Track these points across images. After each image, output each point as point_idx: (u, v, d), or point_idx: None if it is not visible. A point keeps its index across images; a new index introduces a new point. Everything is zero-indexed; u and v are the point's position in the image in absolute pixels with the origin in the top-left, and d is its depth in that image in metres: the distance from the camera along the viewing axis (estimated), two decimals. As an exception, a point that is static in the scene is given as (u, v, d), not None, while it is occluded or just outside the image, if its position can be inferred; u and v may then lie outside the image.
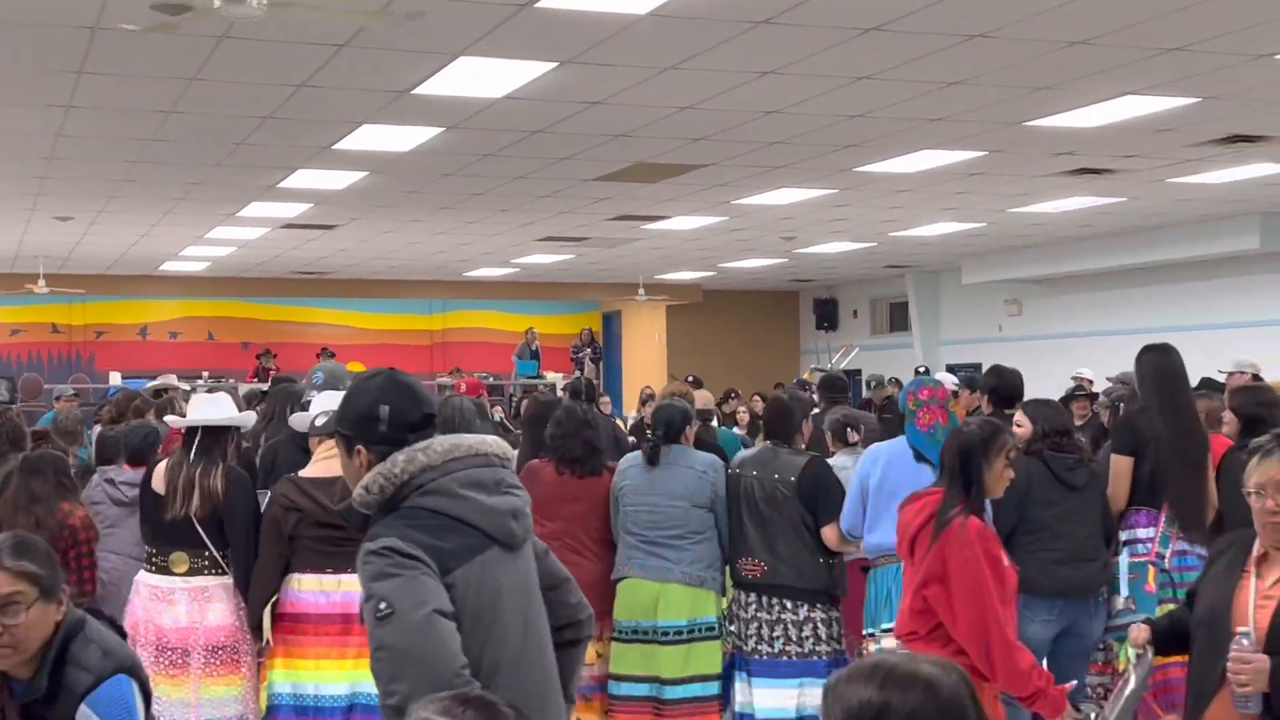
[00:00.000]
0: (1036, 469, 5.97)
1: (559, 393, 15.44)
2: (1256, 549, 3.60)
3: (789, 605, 5.90)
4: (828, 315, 26.16)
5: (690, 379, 15.90)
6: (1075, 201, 14.51)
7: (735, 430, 10.90)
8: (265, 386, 12.84)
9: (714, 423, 9.97)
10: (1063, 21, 7.42)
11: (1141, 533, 6.01)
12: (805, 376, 16.05)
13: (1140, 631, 3.89)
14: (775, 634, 5.90)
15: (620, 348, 28.30)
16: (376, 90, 8.88)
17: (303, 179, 12.40)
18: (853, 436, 7.12)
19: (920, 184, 13.12)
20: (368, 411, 3.03)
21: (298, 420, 5.63)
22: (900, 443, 5.83)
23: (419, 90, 8.82)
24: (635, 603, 6.04)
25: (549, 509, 6.07)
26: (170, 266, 20.67)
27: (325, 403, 5.28)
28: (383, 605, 2.76)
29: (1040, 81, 8.83)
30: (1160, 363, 6.08)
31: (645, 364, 26.49)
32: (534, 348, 22.75)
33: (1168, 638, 3.88)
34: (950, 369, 19.52)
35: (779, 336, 27.09)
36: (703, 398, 9.72)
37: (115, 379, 18.17)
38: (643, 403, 14.00)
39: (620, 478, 6.18)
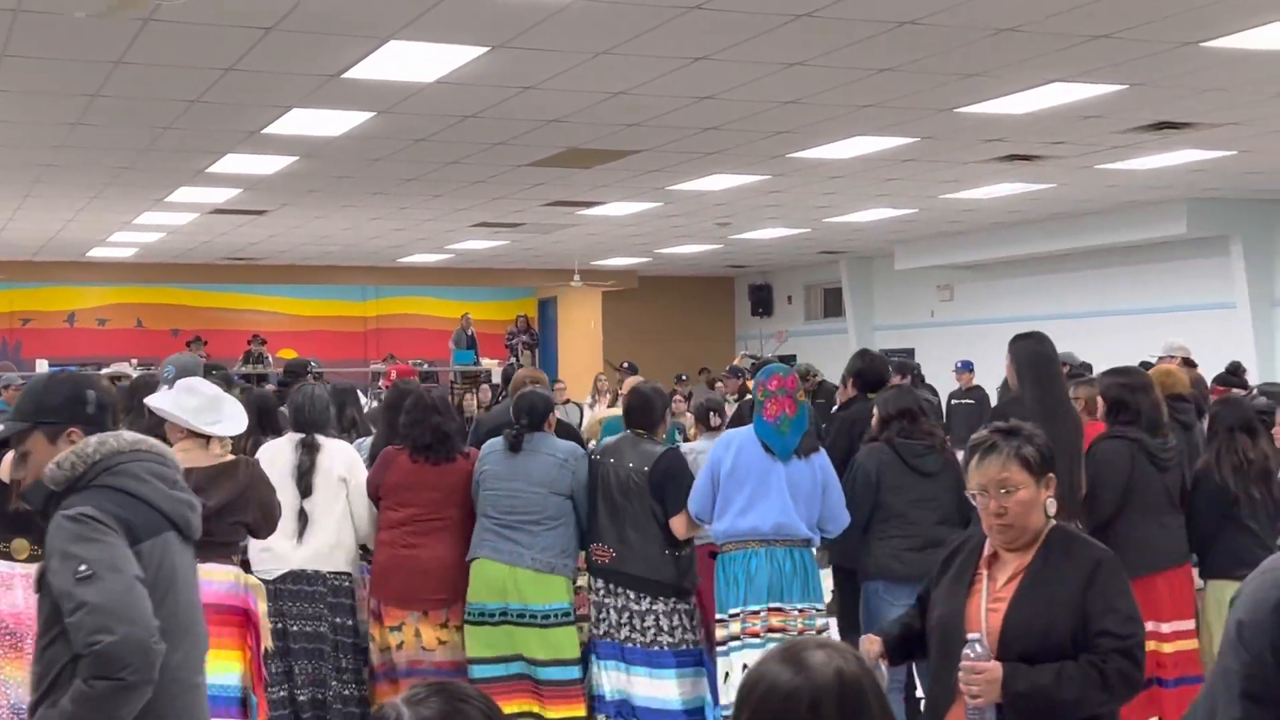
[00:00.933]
0: (887, 456, 6.04)
1: (494, 379, 15.41)
2: (987, 549, 3.48)
3: (631, 595, 5.99)
4: (763, 301, 26.27)
5: (625, 365, 15.93)
6: (1005, 188, 14.64)
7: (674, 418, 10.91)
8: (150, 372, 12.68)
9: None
10: (991, 9, 7.47)
11: None
12: (736, 362, 16.09)
13: (872, 644, 3.70)
14: (622, 620, 6.00)
15: (556, 334, 28.26)
16: (306, 74, 8.79)
17: (232, 164, 12.26)
18: (715, 420, 7.20)
19: (853, 170, 13.19)
20: (75, 396, 3.37)
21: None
22: (753, 430, 5.90)
23: (349, 74, 8.74)
24: (485, 584, 6.08)
25: (402, 495, 6.18)
26: (98, 252, 20.38)
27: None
28: (83, 567, 2.98)
29: (970, 68, 8.89)
30: (1032, 350, 6.03)
31: (581, 350, 26.48)
32: (469, 333, 22.67)
33: (900, 645, 3.71)
34: (885, 354, 19.64)
35: (714, 322, 27.17)
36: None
37: (42, 367, 17.90)
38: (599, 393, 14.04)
39: (481, 463, 6.24)
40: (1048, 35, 8.08)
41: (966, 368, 15.31)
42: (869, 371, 7.29)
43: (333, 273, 23.50)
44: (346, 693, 6.13)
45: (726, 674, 5.73)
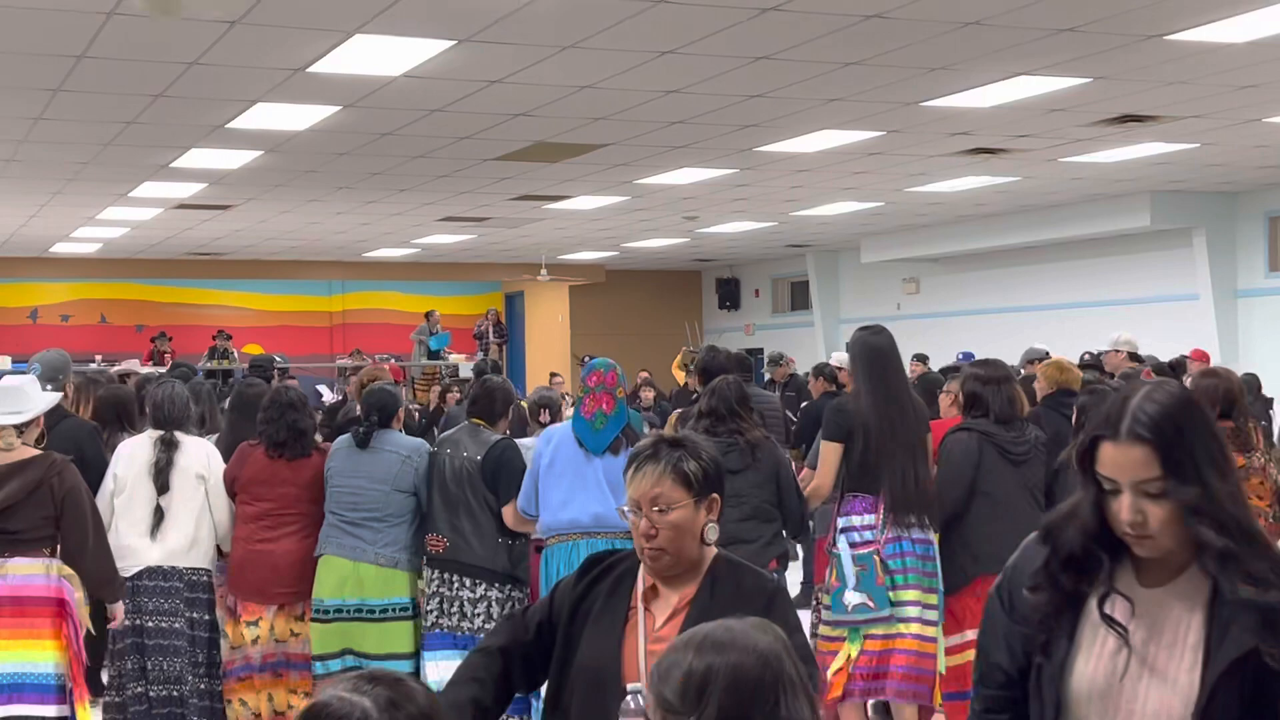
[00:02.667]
0: None
1: (462, 374, 15.38)
2: (643, 580, 3.00)
3: (466, 582, 6.02)
4: (730, 295, 26.32)
5: (587, 358, 15.92)
6: (971, 181, 14.71)
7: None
8: (163, 370, 12.64)
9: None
10: (956, 3, 7.51)
11: (858, 520, 5.89)
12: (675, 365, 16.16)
13: None
14: (452, 609, 6.02)
15: (523, 328, 28.22)
16: (270, 68, 8.74)
17: (196, 158, 12.18)
18: (544, 416, 7.21)
19: (819, 164, 13.22)
20: None
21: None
22: (568, 426, 5.95)
23: (314, 68, 8.70)
24: (331, 580, 6.12)
25: (257, 490, 6.25)
26: (61, 248, 20.22)
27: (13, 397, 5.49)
28: None
29: (935, 62, 8.93)
30: (871, 343, 5.96)
31: (548, 344, 26.47)
32: (435, 331, 22.61)
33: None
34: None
35: (682, 316, 27.13)
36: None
37: (4, 363, 17.75)
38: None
39: (330, 459, 6.29)
40: (1012, 29, 8.11)
41: (968, 359, 15.24)
42: (713, 366, 7.36)
43: (298, 267, 23.40)
44: (204, 687, 6.19)
45: None
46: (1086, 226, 17.20)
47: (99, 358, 21.75)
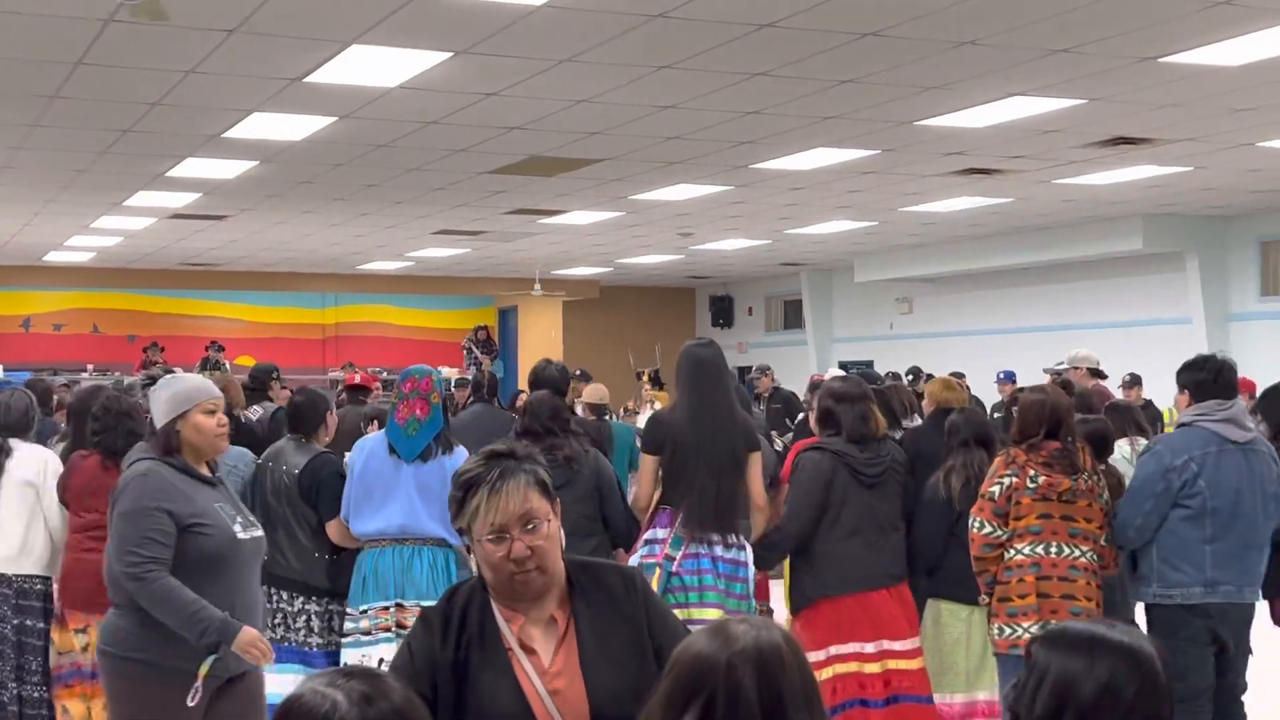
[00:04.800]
0: None
1: (451, 389, 15.38)
2: (504, 619, 2.72)
3: (284, 595, 6.01)
4: (723, 312, 26.35)
5: (578, 373, 15.94)
6: (964, 201, 14.74)
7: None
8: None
9: (608, 417, 9.99)
10: (952, 22, 7.53)
11: (660, 532, 5.83)
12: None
13: None
14: (276, 621, 6.01)
15: (516, 343, 28.21)
16: (267, 78, 8.75)
17: (191, 168, 12.18)
18: (373, 429, 7.18)
19: (814, 182, 13.25)
20: None
21: None
22: (382, 435, 5.93)
23: (311, 78, 8.71)
24: None
25: (88, 501, 6.11)
26: (54, 257, 20.19)
27: None
28: None
29: (930, 81, 8.96)
30: (695, 355, 5.85)
31: (541, 359, 26.43)
32: (481, 339, 22.65)
33: None
34: (843, 366, 19.76)
35: (675, 333, 27.09)
36: (597, 392, 9.73)
37: (-3, 371, 17.72)
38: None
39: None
40: (1007, 49, 8.15)
41: (1009, 378, 15.15)
42: (541, 379, 7.42)
43: (292, 279, 23.39)
44: (36, 695, 6.13)
45: (380, 660, 5.69)
46: (1079, 249, 17.24)
47: (90, 367, 21.73)
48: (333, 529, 5.97)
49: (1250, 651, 5.56)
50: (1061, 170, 12.68)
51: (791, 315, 25.11)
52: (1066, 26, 7.67)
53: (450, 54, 8.14)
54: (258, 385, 9.63)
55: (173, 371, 11.69)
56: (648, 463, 5.85)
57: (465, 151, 11.46)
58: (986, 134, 10.76)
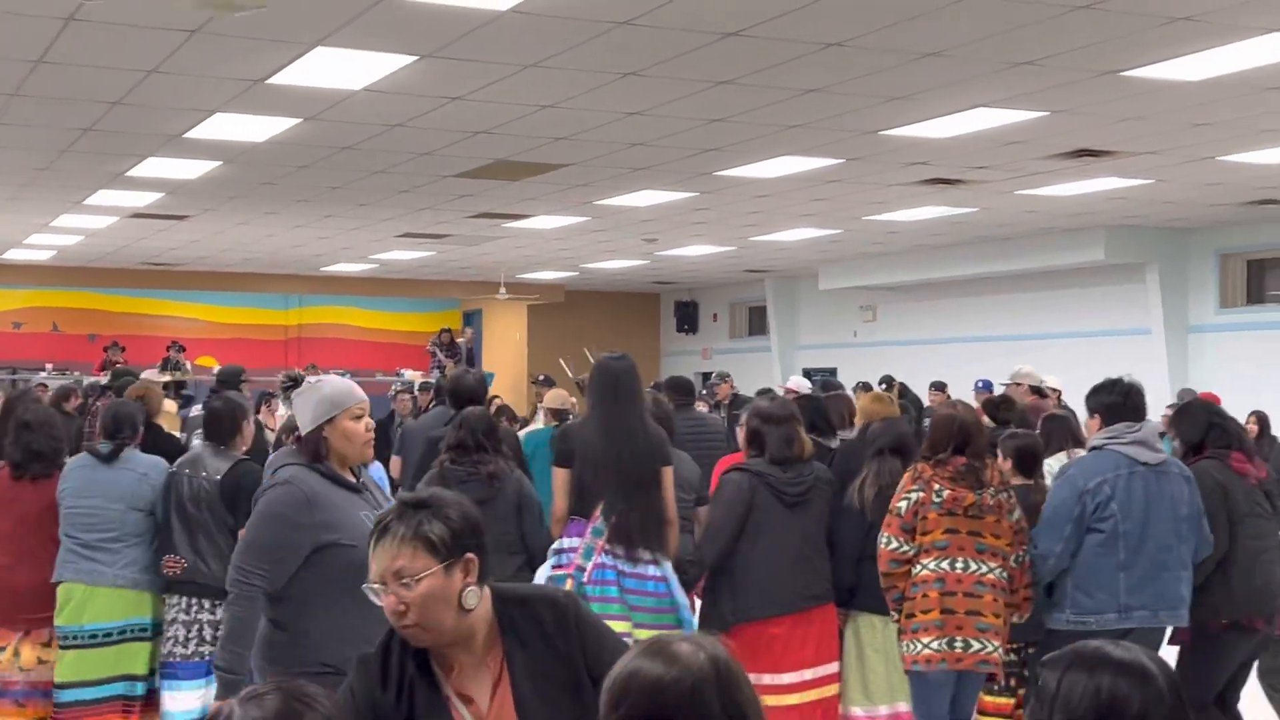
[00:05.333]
0: (435, 483, 5.92)
1: (415, 392, 15.33)
2: (434, 658, 2.72)
3: (206, 605, 5.94)
4: (688, 318, 26.37)
5: (541, 378, 15.94)
6: (928, 211, 14.81)
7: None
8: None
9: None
10: (916, 33, 7.57)
11: (567, 542, 5.81)
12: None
13: None
14: (190, 634, 5.93)
15: (481, 346, 28.14)
16: (230, 78, 8.70)
17: (153, 167, 12.10)
18: (290, 440, 7.17)
19: (779, 190, 13.27)
20: None
21: None
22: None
23: (274, 80, 8.66)
24: (70, 607, 5.98)
25: None
26: (13, 255, 20.01)
27: None
28: None
29: (895, 92, 8.99)
30: (608, 368, 5.84)
31: (506, 363, 26.39)
32: (458, 343, 22.56)
33: None
34: (806, 373, 19.81)
35: (640, 338, 27.18)
36: (559, 398, 9.72)
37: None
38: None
39: (62, 480, 6.11)
40: (971, 61, 8.19)
41: (986, 387, 15.17)
42: (461, 391, 7.42)
43: (255, 280, 23.25)
44: None
45: None
46: (1041, 259, 17.35)
47: (50, 366, 21.53)
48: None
49: None
50: (1024, 181, 12.75)
51: (756, 322, 25.16)
52: (1029, 39, 7.72)
53: (415, 58, 8.11)
54: (225, 388, 9.56)
55: (134, 373, 11.63)
56: (559, 476, 5.82)
57: (430, 155, 11.43)
58: (950, 144, 10.81)
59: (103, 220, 15.92)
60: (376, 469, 5.94)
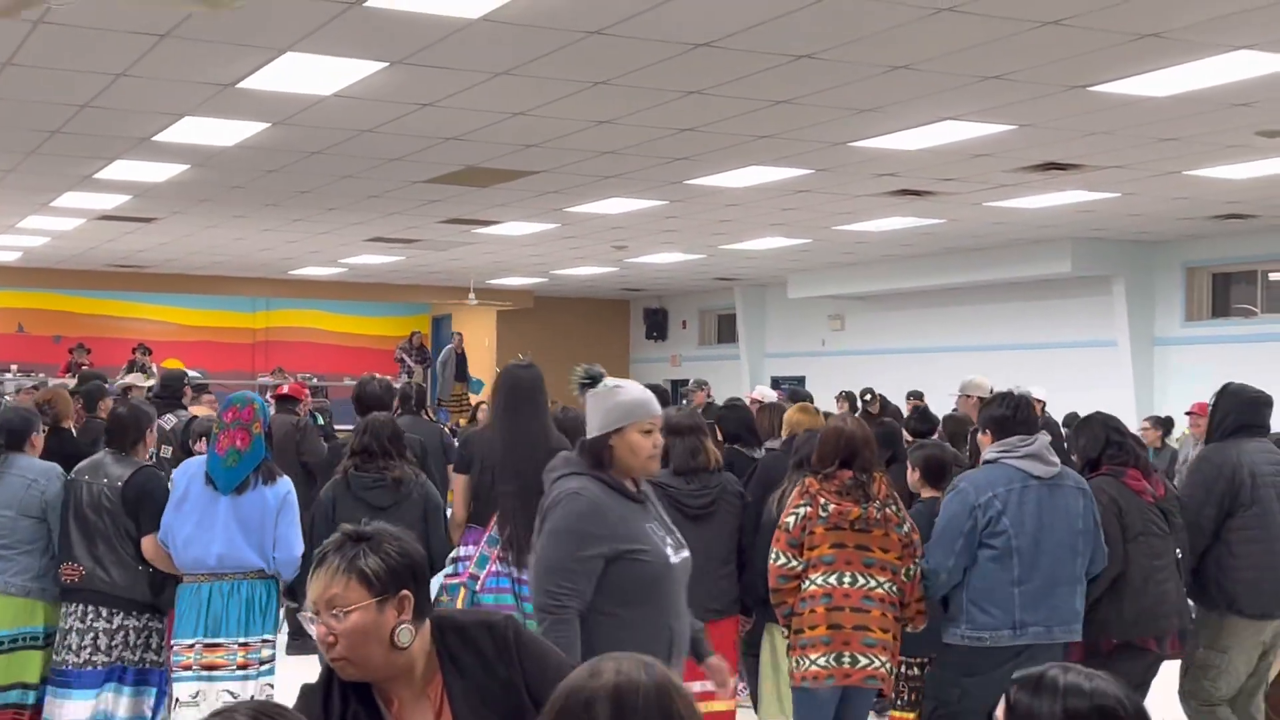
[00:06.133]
0: (340, 489, 5.98)
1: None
2: (376, 691, 2.70)
3: (103, 613, 5.87)
4: (657, 325, 26.39)
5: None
6: (897, 221, 14.87)
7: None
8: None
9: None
10: (886, 46, 7.60)
11: (464, 550, 5.76)
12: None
13: None
14: (84, 643, 5.85)
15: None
16: (199, 82, 8.66)
17: (121, 170, 12.03)
18: (201, 446, 7.18)
19: (749, 199, 13.31)
20: None
21: None
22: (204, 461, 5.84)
23: (244, 84, 8.63)
24: None
25: None
26: (-21, 255, 19.88)
27: None
28: None
29: (864, 104, 9.03)
30: (512, 376, 5.85)
31: (474, 368, 26.35)
32: (459, 353, 22.52)
33: None
34: (775, 381, 19.86)
35: (609, 345, 27.20)
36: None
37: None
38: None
39: None
40: (940, 74, 8.23)
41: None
42: (366, 397, 7.43)
43: (222, 283, 23.14)
44: None
45: (176, 700, 5.65)
46: (1009, 270, 17.45)
47: (14, 367, 21.38)
48: (148, 545, 5.80)
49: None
50: (992, 193, 12.83)
51: (725, 330, 25.20)
52: (998, 54, 7.77)
53: (386, 64, 8.10)
54: (170, 393, 9.45)
55: (101, 376, 11.54)
56: (459, 482, 5.79)
57: (400, 160, 11.41)
58: (919, 156, 10.87)
59: (70, 222, 15.83)
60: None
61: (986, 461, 5.43)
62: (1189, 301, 16.78)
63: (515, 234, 16.44)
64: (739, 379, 22.51)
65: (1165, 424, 13.34)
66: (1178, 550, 5.66)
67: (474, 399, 15.02)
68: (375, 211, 14.61)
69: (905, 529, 5.36)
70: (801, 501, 5.34)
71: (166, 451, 8.81)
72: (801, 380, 20.99)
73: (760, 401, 9.95)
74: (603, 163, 11.39)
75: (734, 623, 5.88)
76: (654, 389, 9.25)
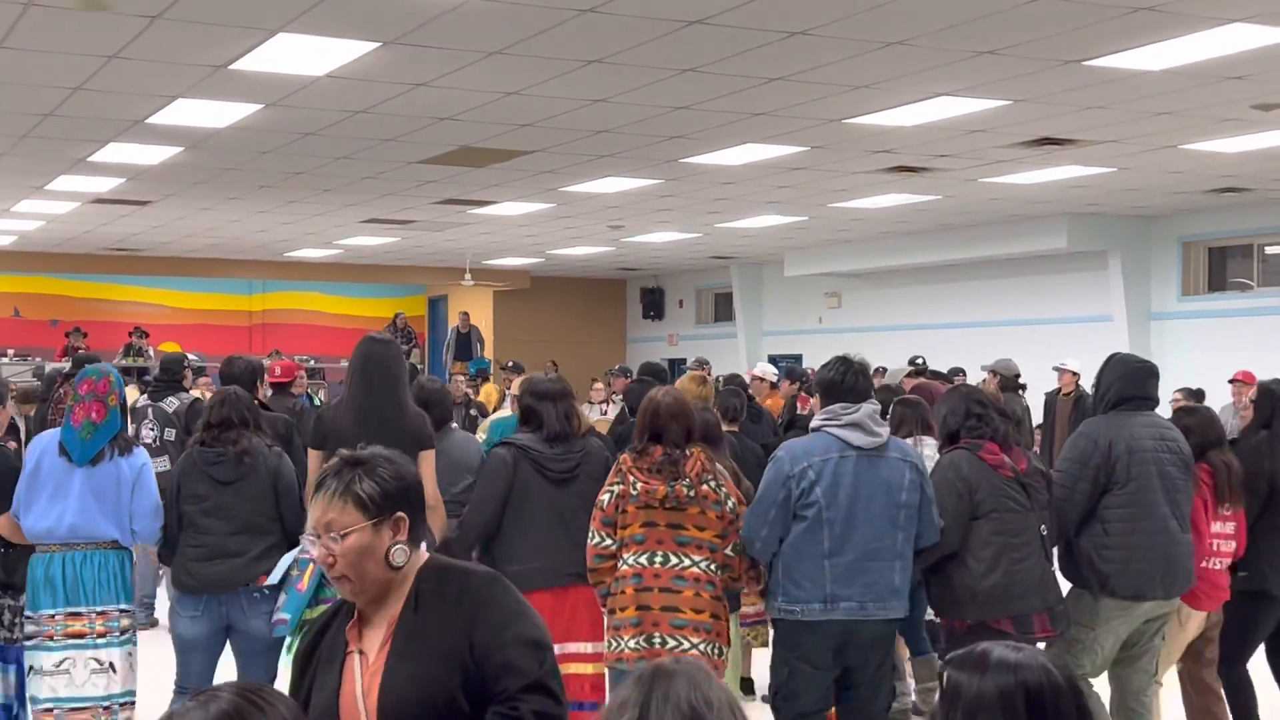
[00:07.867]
0: (187, 464, 5.92)
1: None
2: (355, 612, 2.90)
3: None
4: (654, 304, 26.38)
5: (510, 364, 15.93)
6: (892, 198, 14.86)
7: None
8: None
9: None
10: (880, 22, 7.59)
11: None
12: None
13: None
14: None
15: (446, 332, 28.08)
16: (192, 64, 8.64)
17: (115, 153, 12.00)
18: (146, 434, 7.12)
19: (744, 177, 13.29)
20: None
21: None
22: (58, 434, 5.80)
23: (236, 65, 8.61)
24: None
25: None
26: (-26, 240, 19.85)
27: None
28: None
29: (858, 80, 9.02)
30: (367, 351, 5.83)
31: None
32: (465, 332, 22.52)
33: None
34: (772, 359, 19.87)
35: (606, 324, 27.21)
36: (524, 384, 9.70)
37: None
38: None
39: None
40: (934, 50, 8.22)
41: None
42: (229, 375, 7.46)
43: (218, 265, 23.11)
44: None
45: (38, 669, 5.63)
46: (1004, 246, 17.44)
47: (11, 351, 21.37)
48: (2, 522, 5.79)
49: (897, 672, 5.26)
50: (987, 169, 12.81)
51: (722, 308, 25.19)
52: (992, 29, 7.75)
53: (379, 44, 8.08)
54: (170, 376, 9.45)
55: (98, 359, 11.48)
56: (313, 457, 5.77)
57: (394, 141, 11.39)
58: (914, 133, 10.85)
59: (64, 205, 15.80)
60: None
61: (813, 429, 5.28)
62: (1185, 276, 16.78)
63: (511, 214, 16.42)
64: (736, 357, 22.51)
65: (1197, 395, 13.10)
66: (1042, 527, 5.38)
67: (461, 382, 14.95)
68: (370, 193, 14.59)
69: (730, 505, 5.21)
70: (615, 480, 5.23)
71: (170, 435, 8.82)
72: (799, 358, 20.98)
73: (762, 379, 9.99)
74: (598, 142, 11.38)
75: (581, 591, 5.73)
76: (652, 367, 9.30)
